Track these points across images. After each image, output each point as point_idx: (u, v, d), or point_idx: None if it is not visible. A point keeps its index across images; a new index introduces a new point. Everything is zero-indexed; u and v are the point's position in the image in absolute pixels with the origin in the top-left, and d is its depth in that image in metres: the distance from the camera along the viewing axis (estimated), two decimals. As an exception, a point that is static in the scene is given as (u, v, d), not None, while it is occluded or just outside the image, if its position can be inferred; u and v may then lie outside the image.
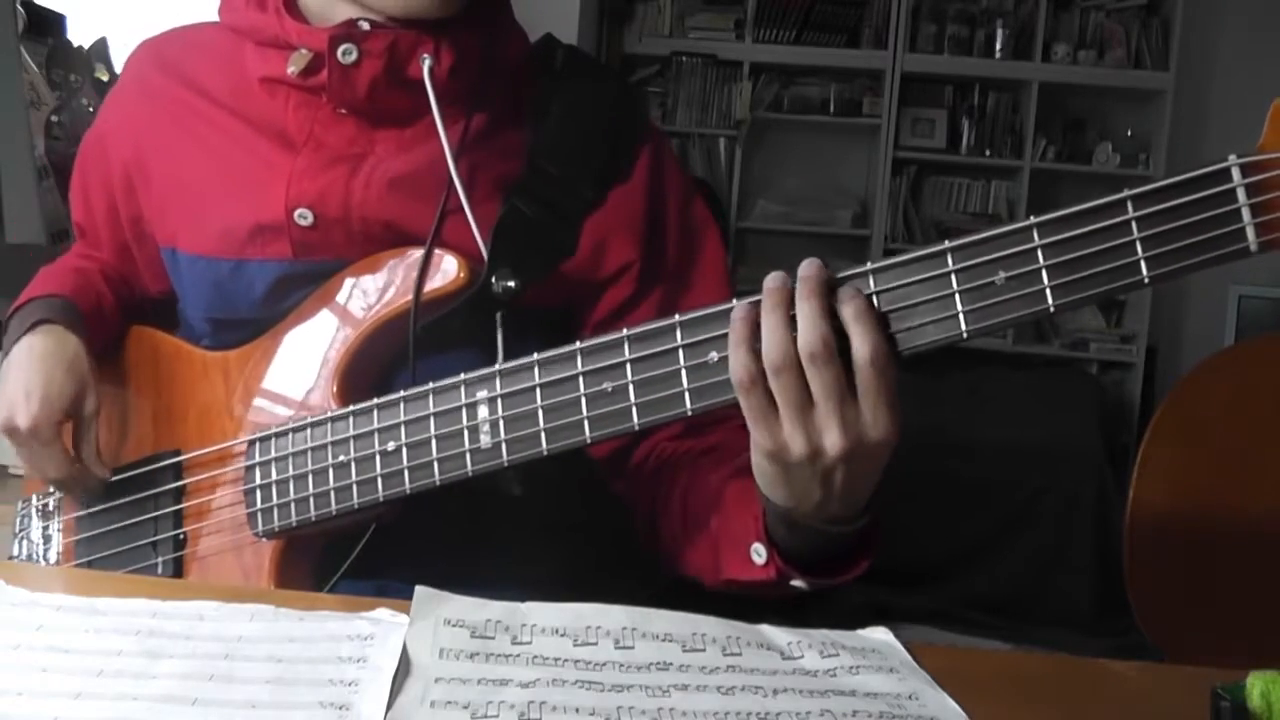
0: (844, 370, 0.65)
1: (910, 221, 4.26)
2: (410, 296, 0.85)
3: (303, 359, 0.89)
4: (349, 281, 0.88)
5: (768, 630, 0.68)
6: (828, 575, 0.75)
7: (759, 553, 0.76)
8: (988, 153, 4.24)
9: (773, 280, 0.67)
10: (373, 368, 0.88)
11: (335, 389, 0.86)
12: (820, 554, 0.75)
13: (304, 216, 0.88)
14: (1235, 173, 0.60)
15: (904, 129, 4.23)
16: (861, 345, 0.64)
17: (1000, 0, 4.19)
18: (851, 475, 0.68)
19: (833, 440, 0.66)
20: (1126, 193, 0.62)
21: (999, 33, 4.15)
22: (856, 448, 0.66)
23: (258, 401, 0.90)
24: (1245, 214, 0.60)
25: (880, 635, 0.70)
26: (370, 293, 0.87)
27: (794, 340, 0.65)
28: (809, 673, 0.63)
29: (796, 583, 0.76)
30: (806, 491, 0.69)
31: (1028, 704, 0.65)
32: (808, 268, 0.66)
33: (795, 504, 0.71)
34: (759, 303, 0.67)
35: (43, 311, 0.93)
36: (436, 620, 0.66)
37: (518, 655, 0.63)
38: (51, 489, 0.97)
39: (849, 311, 0.65)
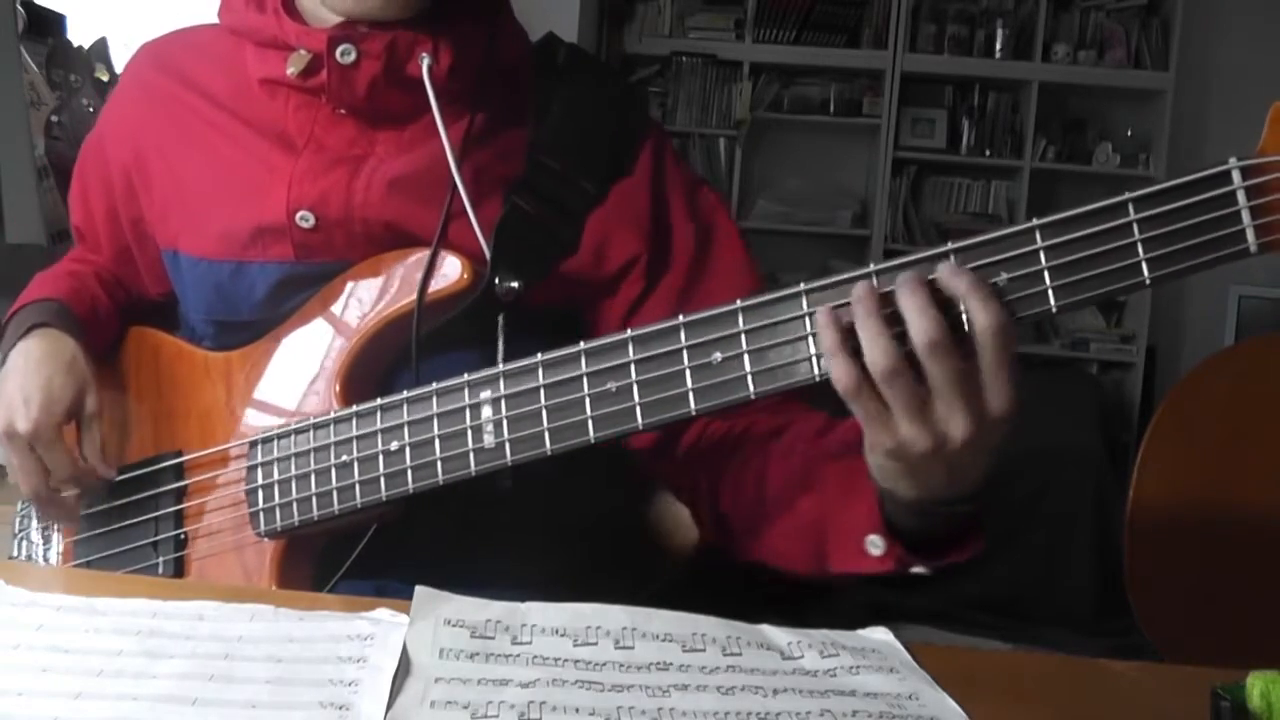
0: (961, 354, 0.63)
1: (910, 221, 4.26)
2: (413, 298, 0.85)
3: (305, 360, 0.89)
4: (352, 283, 0.88)
5: (768, 630, 0.68)
6: (945, 556, 0.73)
7: (876, 544, 0.73)
8: (988, 153, 4.23)
9: (861, 288, 0.65)
10: (375, 369, 0.88)
11: (338, 389, 0.86)
12: (939, 535, 0.73)
13: (305, 219, 0.88)
14: (1236, 175, 0.61)
15: (904, 129, 4.23)
16: (983, 316, 0.62)
17: (1000, 0, 4.19)
18: (977, 453, 0.66)
19: (959, 427, 0.64)
20: (1128, 195, 0.63)
21: (999, 33, 4.15)
22: (982, 427, 0.64)
23: (260, 402, 0.90)
24: (1245, 216, 0.61)
25: (880, 635, 0.70)
26: (373, 294, 0.87)
27: (896, 341, 0.63)
28: (809, 673, 0.63)
29: (918, 569, 0.73)
30: (932, 480, 0.68)
31: (1028, 704, 0.65)
32: (908, 278, 0.64)
33: (922, 493, 0.69)
34: (840, 306, 0.65)
35: (38, 316, 0.93)
36: (436, 620, 0.66)
37: (518, 655, 0.63)
38: (37, 511, 0.96)
39: (962, 286, 0.62)
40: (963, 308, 0.63)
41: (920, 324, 0.62)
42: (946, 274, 0.63)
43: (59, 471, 0.89)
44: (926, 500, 0.70)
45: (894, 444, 0.65)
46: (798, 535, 0.81)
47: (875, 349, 0.63)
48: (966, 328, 0.63)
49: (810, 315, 0.67)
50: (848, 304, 0.65)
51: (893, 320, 0.64)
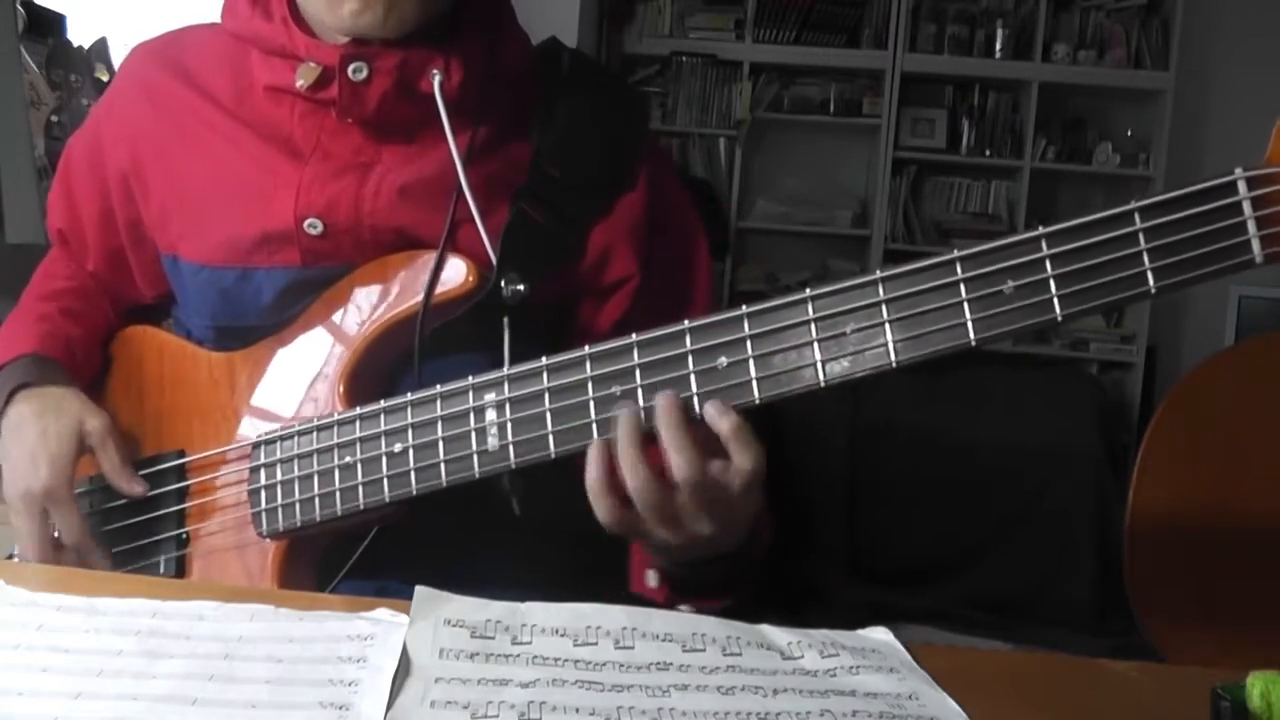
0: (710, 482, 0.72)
1: (910, 221, 4.26)
2: (418, 300, 0.85)
3: (309, 362, 0.89)
4: (357, 286, 0.88)
5: (768, 630, 0.68)
6: (711, 598, 0.82)
7: (652, 578, 0.84)
8: (988, 153, 4.23)
9: (626, 412, 0.72)
10: (379, 371, 0.88)
11: (341, 391, 0.86)
12: (707, 582, 0.82)
13: (314, 226, 0.88)
14: (1241, 186, 0.61)
15: (904, 129, 4.23)
16: (743, 460, 0.71)
17: (1000, 0, 4.19)
18: (726, 539, 0.76)
19: (707, 527, 0.74)
20: (1134, 204, 0.63)
21: (999, 33, 4.15)
22: (729, 527, 0.75)
23: (263, 403, 0.90)
24: (1251, 226, 0.61)
25: (880, 635, 0.70)
26: (378, 297, 0.87)
27: (656, 474, 0.71)
28: (809, 673, 0.63)
29: (683, 607, 0.80)
30: (689, 552, 0.78)
31: (1028, 704, 0.65)
32: (663, 400, 0.71)
33: (683, 559, 0.79)
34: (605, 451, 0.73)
35: (17, 378, 0.92)
36: (437, 620, 0.66)
37: (518, 655, 0.63)
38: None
39: (726, 428, 0.71)
40: (727, 445, 0.71)
41: (678, 462, 0.71)
42: (714, 413, 0.71)
43: (68, 534, 0.88)
44: (688, 562, 0.79)
45: (647, 541, 0.76)
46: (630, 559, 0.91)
47: (634, 482, 0.72)
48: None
49: (815, 321, 0.69)
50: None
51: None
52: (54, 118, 1.80)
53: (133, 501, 0.91)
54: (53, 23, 1.91)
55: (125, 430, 0.97)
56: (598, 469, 0.73)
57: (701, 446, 0.71)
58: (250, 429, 0.89)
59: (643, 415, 0.72)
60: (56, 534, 0.89)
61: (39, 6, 1.87)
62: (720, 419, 0.70)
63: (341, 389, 0.86)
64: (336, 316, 0.89)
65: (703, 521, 0.74)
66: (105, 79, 1.93)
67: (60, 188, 1.04)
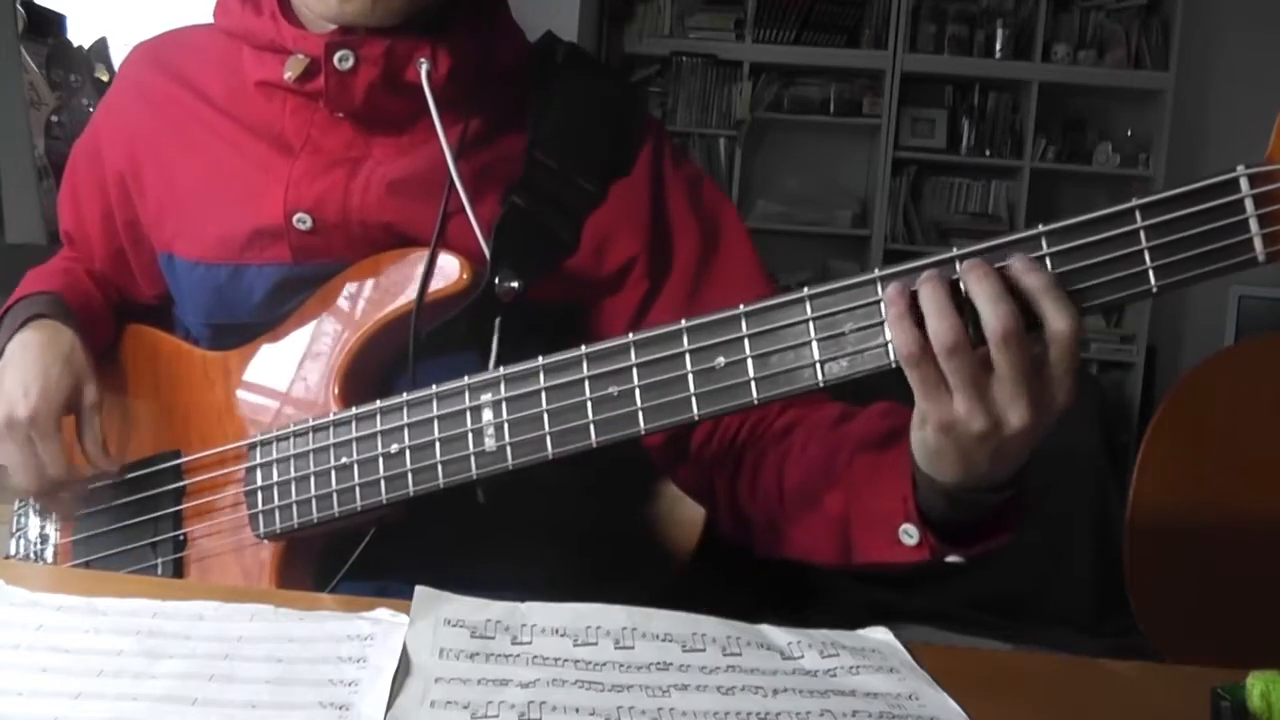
0: (1032, 347, 0.63)
1: (910, 222, 4.26)
2: (412, 298, 0.85)
3: (303, 361, 0.89)
4: (350, 284, 0.88)
5: (768, 630, 0.68)
6: (978, 544, 0.73)
7: (910, 534, 0.73)
8: (988, 153, 4.23)
9: (929, 273, 0.64)
10: (374, 370, 0.88)
11: (336, 391, 0.86)
12: (969, 523, 0.72)
13: (303, 221, 0.88)
14: (1243, 183, 0.61)
15: (904, 129, 4.23)
16: (1059, 319, 0.62)
17: (1000, 0, 4.19)
18: (1027, 442, 0.66)
19: (1018, 414, 0.63)
20: (1135, 202, 0.62)
21: (999, 33, 4.15)
22: (1040, 418, 0.64)
23: (258, 403, 0.90)
24: (1253, 224, 0.61)
25: (880, 635, 0.70)
26: (371, 295, 0.87)
27: (962, 322, 0.62)
28: (809, 673, 0.63)
29: (952, 558, 0.73)
30: (976, 464, 0.67)
31: (1028, 704, 0.65)
32: (968, 263, 0.64)
33: (962, 478, 0.68)
34: (910, 281, 0.65)
35: (35, 307, 0.93)
36: (436, 620, 0.66)
37: (518, 655, 0.63)
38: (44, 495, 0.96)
39: (1038, 284, 0.62)
40: (1037, 304, 0.62)
41: (995, 313, 0.62)
42: (1021, 268, 0.63)
43: (54, 466, 0.88)
44: (965, 484, 0.69)
45: (948, 419, 0.65)
46: (823, 528, 0.80)
47: (941, 323, 0.62)
48: (1041, 322, 0.62)
49: (813, 320, 0.67)
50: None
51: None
52: (54, 118, 1.80)
53: (129, 502, 0.91)
54: (53, 23, 1.91)
55: (122, 429, 0.97)
56: (900, 302, 0.64)
57: None
58: (245, 429, 0.89)
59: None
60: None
61: (39, 6, 1.87)
62: (1029, 274, 0.62)
63: (336, 389, 0.86)
64: (330, 315, 0.89)
65: (1021, 401, 0.63)
66: (105, 79, 1.93)
67: (66, 190, 1.05)
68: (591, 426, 0.73)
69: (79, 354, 0.91)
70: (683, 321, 0.71)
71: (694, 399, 0.71)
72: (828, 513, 0.80)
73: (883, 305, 0.65)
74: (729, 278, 0.92)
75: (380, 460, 0.80)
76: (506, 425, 0.76)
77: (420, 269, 0.85)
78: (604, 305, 0.93)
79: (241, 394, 0.91)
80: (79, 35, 1.97)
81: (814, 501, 0.81)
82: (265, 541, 0.86)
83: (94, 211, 1.02)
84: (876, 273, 0.66)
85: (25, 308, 0.93)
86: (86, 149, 1.03)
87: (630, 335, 0.72)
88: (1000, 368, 0.63)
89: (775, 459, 0.85)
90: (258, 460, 0.86)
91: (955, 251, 0.65)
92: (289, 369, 0.89)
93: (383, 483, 0.80)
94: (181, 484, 0.91)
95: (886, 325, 0.65)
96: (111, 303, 1.02)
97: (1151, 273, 0.62)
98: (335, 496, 0.82)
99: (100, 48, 1.99)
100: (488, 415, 0.77)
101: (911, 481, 0.72)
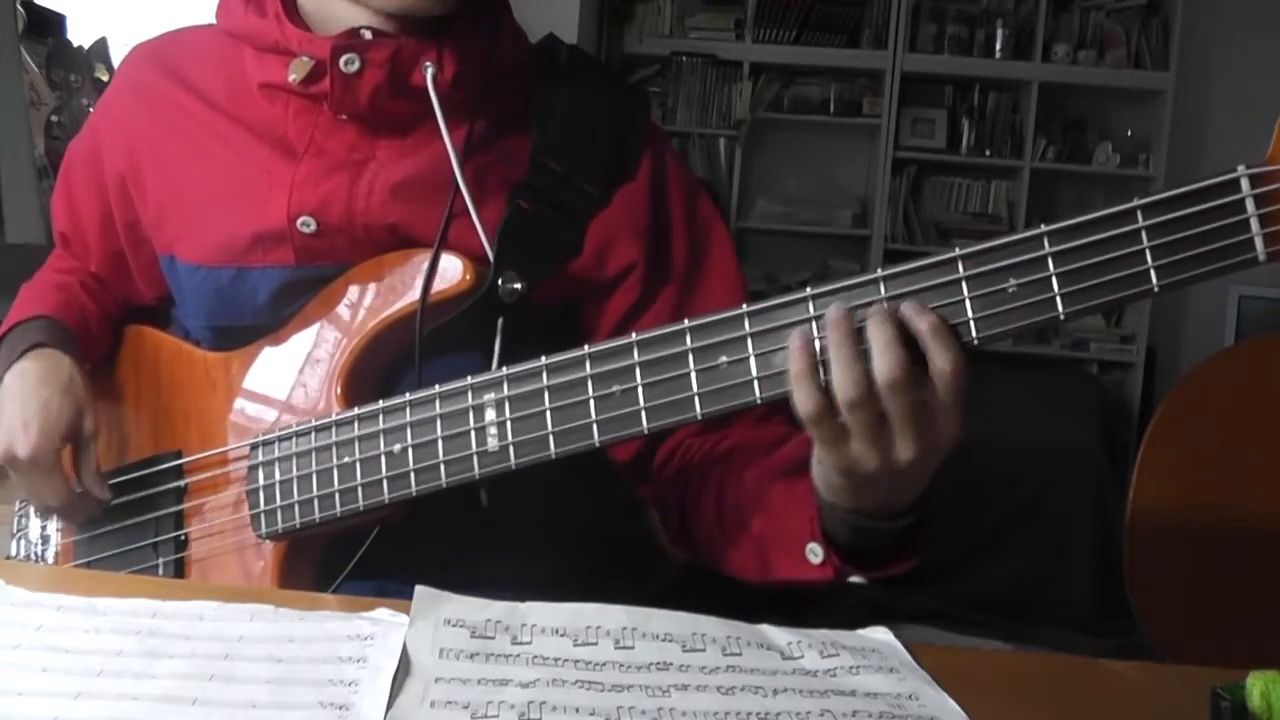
0: (917, 389, 0.65)
1: (910, 222, 4.26)
2: (415, 299, 0.85)
3: (306, 361, 0.89)
4: (353, 285, 0.88)
5: (768, 630, 0.68)
6: (882, 568, 0.76)
7: (815, 553, 0.76)
8: (988, 153, 4.23)
9: (836, 311, 0.66)
10: (376, 371, 0.88)
11: (339, 391, 0.86)
12: (875, 548, 0.75)
13: (307, 224, 0.88)
14: (1244, 183, 0.61)
15: (904, 129, 4.23)
16: (942, 360, 0.65)
17: (1000, 0, 4.19)
18: (920, 475, 0.70)
19: (907, 451, 0.67)
20: (1136, 202, 0.63)
21: (999, 33, 4.15)
22: (928, 454, 0.67)
23: (260, 403, 0.90)
24: (1254, 224, 0.61)
25: (880, 635, 0.70)
26: (374, 296, 0.87)
27: (866, 372, 0.65)
28: (809, 673, 0.63)
29: (855, 578, 0.76)
30: (873, 494, 0.71)
31: (1028, 704, 0.65)
32: (873, 307, 0.66)
33: (861, 506, 0.72)
34: (816, 334, 0.67)
35: (33, 336, 0.92)
36: (436, 620, 0.66)
37: (518, 655, 0.63)
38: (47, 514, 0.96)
39: (925, 327, 0.65)
40: (924, 344, 0.65)
41: (884, 361, 0.64)
42: (910, 313, 0.65)
43: (54, 497, 0.89)
44: (863, 510, 0.73)
45: (845, 463, 0.68)
46: (749, 547, 0.84)
47: (846, 378, 0.65)
48: (928, 364, 0.65)
49: (816, 320, 0.68)
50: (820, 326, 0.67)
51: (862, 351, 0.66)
52: (54, 118, 1.80)
53: (130, 501, 0.91)
54: (53, 23, 1.92)
55: (122, 430, 0.97)
56: (804, 358, 0.67)
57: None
58: (247, 429, 0.89)
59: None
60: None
61: (39, 6, 1.87)
62: (917, 317, 0.65)
63: (339, 389, 0.86)
64: (333, 316, 0.88)
65: (907, 439, 0.66)
66: (105, 79, 1.93)
67: (61, 191, 1.04)
68: (594, 426, 0.73)
69: (78, 383, 0.91)
70: (685, 321, 0.71)
71: (697, 398, 0.71)
72: (752, 533, 0.83)
73: (789, 354, 0.67)
74: (711, 294, 0.94)
75: (383, 459, 0.80)
76: (509, 424, 0.76)
77: (423, 270, 0.85)
78: (597, 307, 0.93)
79: (243, 395, 0.91)
80: (79, 35, 1.98)
81: (741, 523, 0.84)
82: (267, 542, 0.86)
83: (92, 213, 1.01)
84: (879, 272, 0.67)
85: (23, 335, 0.93)
86: (84, 150, 1.02)
87: (633, 335, 0.73)
88: (889, 410, 0.66)
89: (716, 479, 0.88)
90: (259, 459, 0.86)
91: (958, 251, 0.66)
92: (291, 370, 0.89)
93: (385, 482, 0.80)
94: (182, 484, 0.91)
95: (790, 378, 0.67)
96: (108, 314, 1.02)
97: (1153, 272, 0.62)
98: (337, 496, 0.82)
99: (100, 48, 1.99)
100: (490, 414, 0.77)
101: (818, 505, 0.75)
